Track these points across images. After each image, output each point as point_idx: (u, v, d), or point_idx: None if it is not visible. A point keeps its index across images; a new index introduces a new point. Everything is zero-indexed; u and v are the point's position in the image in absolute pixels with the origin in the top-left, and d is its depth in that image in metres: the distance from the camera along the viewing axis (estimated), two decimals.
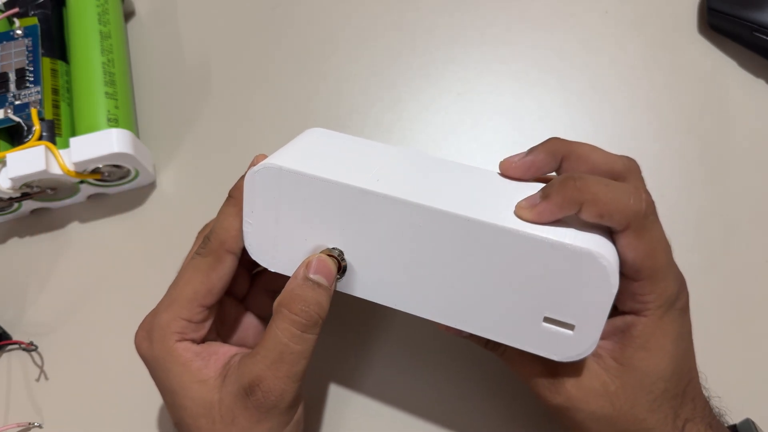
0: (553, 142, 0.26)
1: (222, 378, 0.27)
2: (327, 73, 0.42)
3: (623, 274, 0.24)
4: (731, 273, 0.35)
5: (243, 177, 0.26)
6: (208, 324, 0.28)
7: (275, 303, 0.25)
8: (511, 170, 0.27)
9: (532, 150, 0.27)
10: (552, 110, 0.39)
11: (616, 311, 0.26)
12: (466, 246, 0.24)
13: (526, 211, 0.24)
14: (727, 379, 0.30)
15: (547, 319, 0.24)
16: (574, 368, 0.25)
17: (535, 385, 0.26)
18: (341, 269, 0.26)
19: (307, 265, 0.25)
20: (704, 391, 0.27)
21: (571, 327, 0.23)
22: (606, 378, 0.25)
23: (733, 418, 0.29)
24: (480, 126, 0.39)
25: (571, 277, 0.23)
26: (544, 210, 0.23)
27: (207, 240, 0.28)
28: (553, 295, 0.23)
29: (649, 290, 0.24)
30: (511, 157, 0.27)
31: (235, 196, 0.27)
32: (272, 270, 0.27)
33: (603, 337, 0.25)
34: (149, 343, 0.27)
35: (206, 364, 0.27)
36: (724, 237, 0.35)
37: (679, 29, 0.40)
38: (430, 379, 0.34)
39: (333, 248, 0.26)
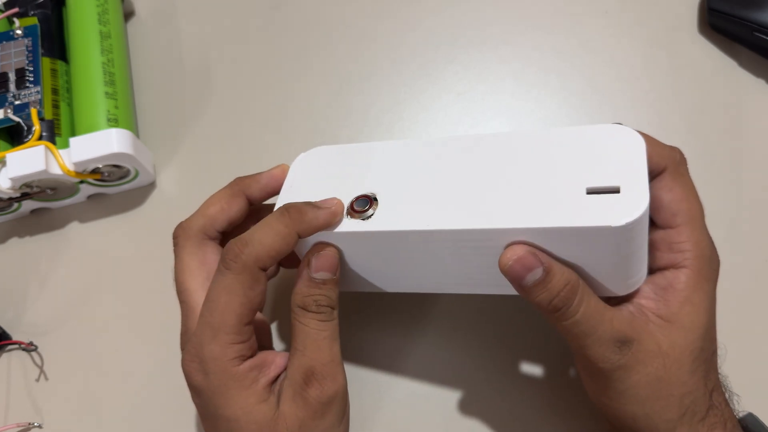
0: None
1: (276, 394, 0.27)
2: (327, 73, 0.42)
3: (660, 225, 0.25)
4: (731, 273, 0.34)
5: (307, 208, 0.26)
6: (254, 332, 0.27)
7: (292, 303, 0.27)
8: None
9: None
10: (552, 110, 0.39)
11: (653, 271, 0.26)
12: (498, 153, 0.26)
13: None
14: (727, 379, 0.29)
15: (590, 191, 0.23)
16: (635, 327, 0.25)
17: (601, 348, 0.24)
18: (372, 205, 0.26)
19: (308, 263, 0.27)
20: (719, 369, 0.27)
21: (616, 190, 0.23)
22: (658, 336, 0.25)
23: (737, 399, 0.29)
24: (480, 126, 0.39)
25: (601, 148, 0.24)
26: None
27: (236, 254, 0.25)
28: (590, 169, 0.24)
29: (686, 237, 0.25)
30: None
31: (292, 216, 0.26)
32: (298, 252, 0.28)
33: (646, 297, 0.26)
34: (204, 375, 0.26)
35: (265, 380, 0.27)
36: (724, 237, 0.35)
37: (679, 29, 0.40)
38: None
39: (366, 193, 0.27)
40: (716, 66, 0.39)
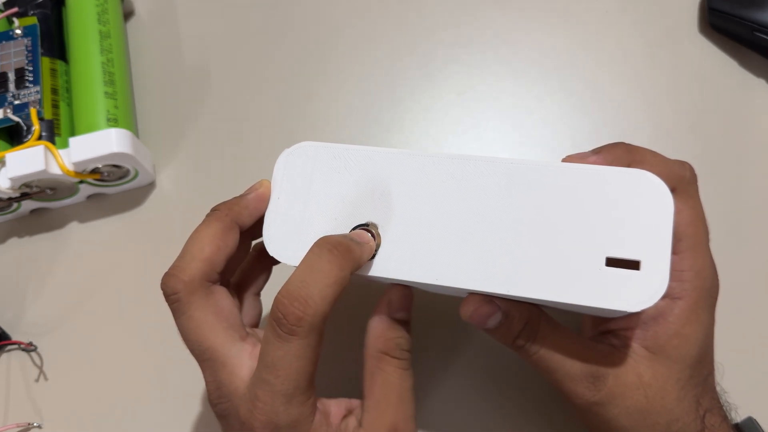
0: (621, 148, 0.25)
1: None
2: (327, 72, 0.42)
3: None
4: (731, 273, 0.34)
5: (352, 244, 0.24)
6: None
7: (370, 349, 0.25)
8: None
9: (598, 151, 0.25)
10: (552, 110, 0.39)
11: None
12: (511, 194, 0.23)
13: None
14: (727, 379, 0.29)
15: (609, 262, 0.22)
16: (612, 361, 0.24)
17: (571, 384, 0.25)
18: (375, 243, 0.24)
19: (389, 304, 0.25)
20: (717, 386, 0.27)
21: (636, 265, 0.21)
22: (640, 368, 0.24)
23: (735, 416, 0.29)
24: (480, 126, 0.39)
25: (627, 206, 0.21)
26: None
27: (298, 317, 0.22)
28: (611, 232, 0.22)
29: (689, 265, 0.24)
30: (574, 155, 0.25)
31: (343, 255, 0.23)
32: (290, 264, 0.25)
33: (632, 327, 0.25)
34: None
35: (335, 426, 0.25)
36: (724, 237, 0.35)
37: (680, 29, 0.40)
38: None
39: (367, 223, 0.24)
40: (716, 66, 0.39)
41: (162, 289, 0.25)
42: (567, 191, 0.22)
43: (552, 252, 0.22)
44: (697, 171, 0.34)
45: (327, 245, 0.23)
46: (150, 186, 0.40)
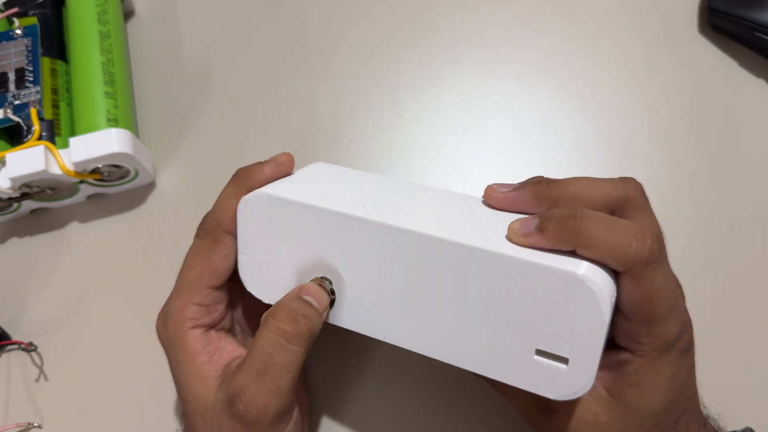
0: (541, 186, 0.25)
1: (220, 380, 0.26)
2: (327, 72, 0.42)
3: (621, 312, 0.23)
4: (731, 273, 0.35)
5: (259, 163, 0.28)
6: (221, 307, 0.28)
7: (263, 315, 0.25)
8: (492, 200, 0.26)
9: (519, 187, 0.26)
10: (552, 110, 0.39)
11: (613, 344, 0.25)
12: (452, 272, 0.23)
13: (519, 238, 0.23)
14: (727, 381, 0.29)
15: (539, 352, 0.22)
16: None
17: (528, 415, 0.27)
18: (330, 301, 0.26)
19: (300, 288, 0.25)
20: (703, 410, 0.26)
21: (564, 361, 0.22)
22: (597, 409, 0.25)
23: (732, 421, 0.29)
24: (480, 126, 0.39)
25: (561, 305, 0.22)
26: (537, 242, 0.23)
27: (204, 221, 0.28)
28: (544, 326, 0.22)
29: (645, 333, 0.23)
30: (496, 186, 0.26)
31: (239, 176, 0.28)
32: (266, 302, 0.27)
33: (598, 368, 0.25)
34: (165, 329, 0.28)
35: (209, 360, 0.27)
36: (724, 237, 0.35)
37: (680, 29, 0.40)
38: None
39: (322, 278, 0.26)
40: (716, 66, 0.39)
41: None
42: (504, 282, 0.22)
43: (488, 332, 0.23)
44: (697, 171, 0.34)
45: (233, 176, 0.28)
46: (150, 186, 0.40)
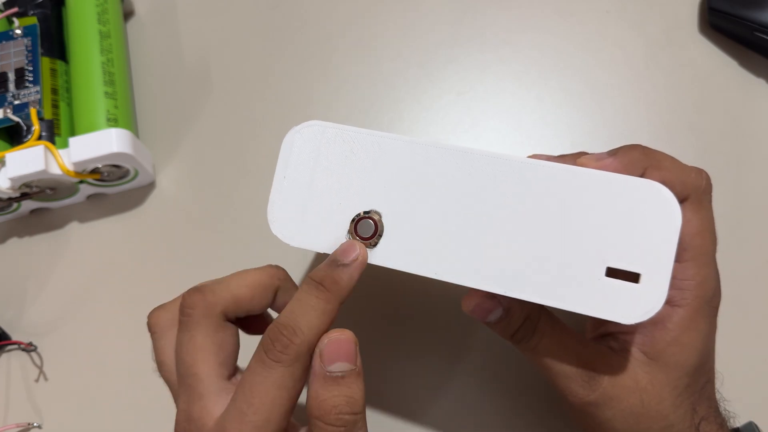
0: (637, 151, 0.25)
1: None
2: (327, 72, 0.42)
3: None
4: (731, 273, 0.34)
5: (338, 272, 0.23)
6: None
7: (308, 414, 0.22)
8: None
9: (614, 153, 0.25)
10: (552, 110, 0.39)
11: None
12: (523, 192, 0.23)
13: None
14: (728, 380, 0.29)
15: (609, 272, 0.22)
16: (609, 362, 0.25)
17: (567, 381, 0.25)
18: (378, 233, 0.24)
19: (320, 356, 0.22)
20: (716, 393, 0.27)
21: (635, 278, 0.21)
22: (637, 372, 0.24)
23: (736, 418, 0.29)
24: (480, 126, 0.39)
25: (635, 217, 0.21)
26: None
27: (286, 344, 0.22)
28: (616, 241, 0.22)
29: (691, 275, 0.24)
30: (590, 155, 0.25)
31: (329, 289, 0.23)
32: (293, 245, 0.25)
33: (632, 331, 0.25)
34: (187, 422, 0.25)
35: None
36: (724, 237, 0.35)
37: (680, 29, 0.40)
38: (437, 382, 0.34)
39: (370, 210, 0.24)
40: (716, 66, 0.39)
41: (183, 299, 0.25)
42: (576, 196, 0.22)
43: (554, 257, 0.22)
44: None
45: (314, 282, 0.23)
46: (150, 186, 0.40)
